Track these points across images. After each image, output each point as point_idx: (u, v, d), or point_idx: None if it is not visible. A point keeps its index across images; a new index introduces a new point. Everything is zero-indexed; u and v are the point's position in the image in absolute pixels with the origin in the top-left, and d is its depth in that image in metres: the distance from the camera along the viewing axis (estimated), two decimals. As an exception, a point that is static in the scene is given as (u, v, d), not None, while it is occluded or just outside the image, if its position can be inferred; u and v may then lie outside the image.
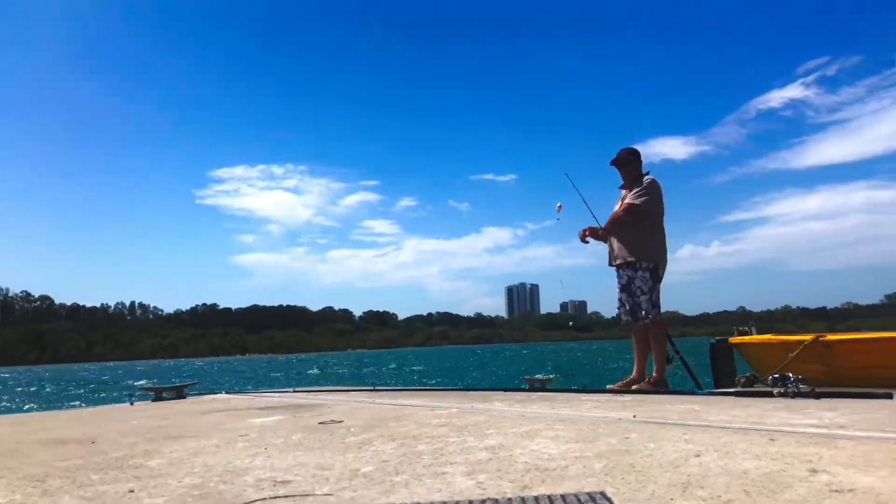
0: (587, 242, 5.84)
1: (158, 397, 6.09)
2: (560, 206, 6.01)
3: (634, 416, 3.13)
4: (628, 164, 5.81)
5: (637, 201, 5.54)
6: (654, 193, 5.56)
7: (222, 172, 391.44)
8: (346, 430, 3.13)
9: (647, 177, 5.67)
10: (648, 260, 5.49)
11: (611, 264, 5.80)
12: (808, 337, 5.28)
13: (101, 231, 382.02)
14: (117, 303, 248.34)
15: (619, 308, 5.72)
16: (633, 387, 5.31)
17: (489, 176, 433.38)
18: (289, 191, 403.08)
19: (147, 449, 2.81)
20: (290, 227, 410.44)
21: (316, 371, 45.55)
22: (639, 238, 5.55)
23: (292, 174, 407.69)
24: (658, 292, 5.51)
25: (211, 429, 3.48)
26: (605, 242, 5.83)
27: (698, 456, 2.04)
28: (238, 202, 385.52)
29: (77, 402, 21.92)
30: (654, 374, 5.41)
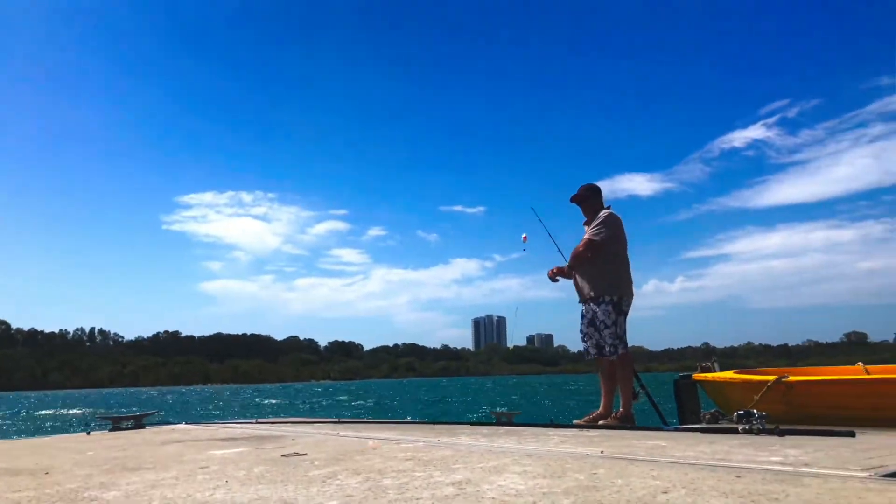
0: (556, 281, 5.91)
1: (116, 427, 5.93)
2: (525, 237, 6.11)
3: (602, 452, 3.12)
4: (588, 199, 5.90)
5: (595, 236, 5.61)
6: (611, 227, 5.63)
7: (190, 198, 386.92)
8: (309, 463, 3.07)
9: (604, 211, 5.75)
10: (611, 293, 5.53)
11: (580, 301, 5.84)
12: (771, 377, 5.35)
13: (62, 254, 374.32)
14: (77, 329, 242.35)
15: (584, 343, 5.74)
16: (600, 422, 5.31)
17: (458, 207, 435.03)
18: (257, 218, 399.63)
19: (103, 481, 2.72)
20: (257, 254, 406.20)
21: (267, 402, 44.81)
22: (600, 272, 5.60)
23: (262, 201, 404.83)
24: (623, 326, 5.53)
25: (170, 460, 3.39)
26: (572, 279, 5.89)
27: (666, 493, 2.03)
28: (205, 228, 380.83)
29: (30, 431, 21.27)
30: (620, 410, 5.42)
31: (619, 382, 5.51)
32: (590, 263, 5.65)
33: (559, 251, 6.20)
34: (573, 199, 5.95)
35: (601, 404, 5.59)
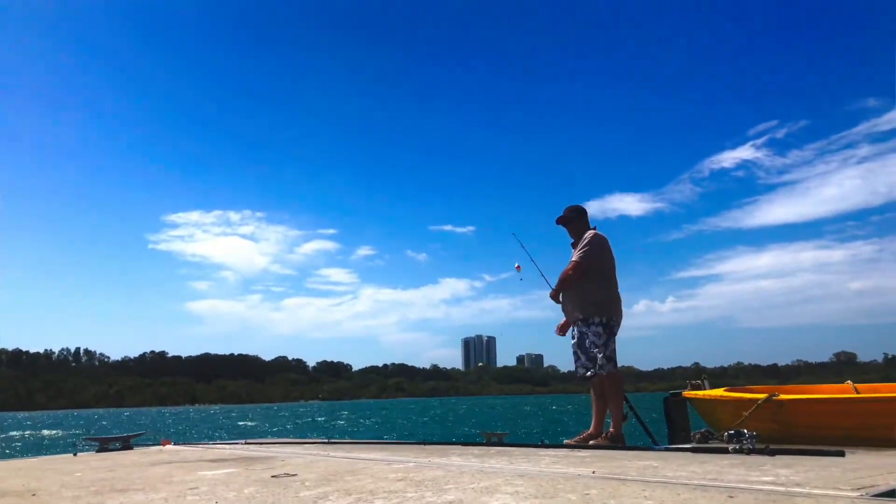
0: (564, 335, 5.92)
1: (103, 448, 5.87)
2: (518, 267, 6.17)
3: (594, 472, 3.11)
4: (573, 221, 5.94)
5: (580, 259, 5.64)
6: (596, 248, 5.65)
7: (177, 217, 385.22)
8: (300, 483, 3.05)
9: (590, 232, 5.78)
10: (600, 314, 5.54)
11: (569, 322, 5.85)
12: (761, 395, 5.36)
13: (47, 273, 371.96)
14: (62, 349, 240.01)
15: (575, 363, 5.74)
16: (591, 442, 5.30)
17: (448, 227, 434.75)
18: (245, 237, 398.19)
19: (91, 502, 2.70)
20: (245, 274, 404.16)
21: (254, 423, 44.45)
22: (588, 294, 5.61)
23: (249, 220, 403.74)
24: (612, 346, 5.54)
25: (159, 481, 3.36)
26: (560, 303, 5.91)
27: (659, 513, 2.04)
28: (192, 248, 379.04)
29: (15, 452, 21.00)
30: (610, 430, 5.41)
31: (608, 402, 5.51)
32: (577, 286, 5.67)
33: (542, 276, 6.26)
34: (559, 221, 6.00)
35: (592, 424, 5.59)
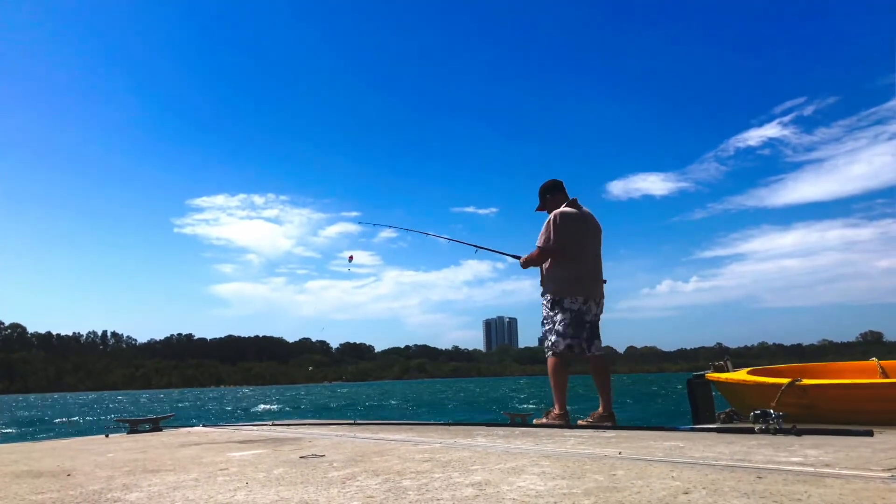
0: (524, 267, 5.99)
1: (134, 429, 5.97)
2: (351, 257, 6.27)
3: (620, 453, 3.12)
4: (546, 205, 5.92)
5: (540, 246, 5.66)
6: (552, 230, 5.57)
7: (202, 201, 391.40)
8: (328, 464, 3.08)
9: (553, 213, 5.68)
10: (552, 293, 5.58)
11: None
12: (784, 380, 5.31)
13: (76, 258, 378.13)
14: (90, 331, 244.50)
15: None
16: (534, 421, 5.45)
17: (470, 209, 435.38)
18: (269, 220, 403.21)
19: (125, 482, 2.75)
20: (269, 256, 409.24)
21: (277, 407, 44.87)
22: (546, 270, 5.70)
23: (273, 204, 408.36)
24: (565, 323, 5.45)
25: (190, 462, 3.41)
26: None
27: (687, 493, 2.03)
28: (217, 231, 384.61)
29: (49, 434, 21.42)
30: (554, 410, 5.44)
31: (550, 381, 5.54)
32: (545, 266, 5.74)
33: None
34: (539, 210, 5.99)
35: (601, 404, 5.50)
